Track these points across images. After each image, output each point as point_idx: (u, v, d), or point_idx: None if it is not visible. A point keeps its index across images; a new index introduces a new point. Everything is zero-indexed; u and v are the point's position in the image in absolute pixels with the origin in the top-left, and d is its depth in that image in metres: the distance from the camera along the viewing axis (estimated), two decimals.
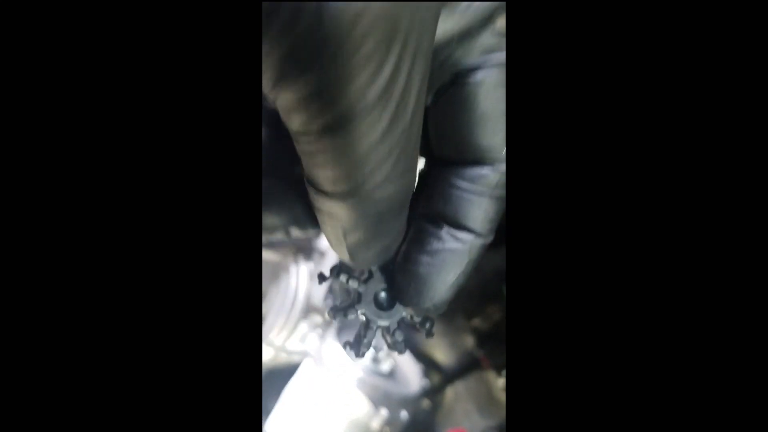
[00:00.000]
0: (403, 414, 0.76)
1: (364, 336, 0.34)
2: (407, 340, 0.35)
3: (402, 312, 0.34)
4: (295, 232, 0.33)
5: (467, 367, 0.84)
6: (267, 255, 0.95)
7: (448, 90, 0.29)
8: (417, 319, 0.34)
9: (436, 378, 0.90)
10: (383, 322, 0.34)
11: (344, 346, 0.36)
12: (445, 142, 0.30)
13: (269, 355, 0.96)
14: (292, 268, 0.95)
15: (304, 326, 0.88)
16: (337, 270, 0.34)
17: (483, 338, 0.85)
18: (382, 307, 0.34)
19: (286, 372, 0.90)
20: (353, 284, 0.34)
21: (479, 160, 0.29)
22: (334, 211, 0.26)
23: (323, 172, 0.24)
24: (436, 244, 0.30)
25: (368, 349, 0.34)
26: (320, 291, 0.85)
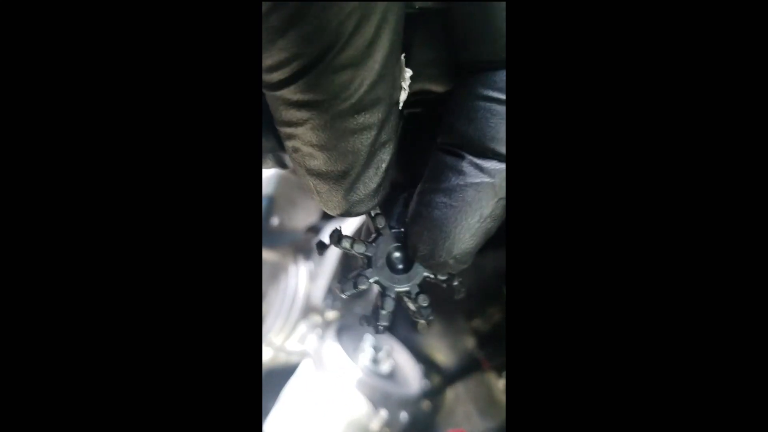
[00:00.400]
0: (403, 415, 0.75)
1: (382, 307, 0.29)
2: (408, 335, 0.31)
3: (423, 272, 0.29)
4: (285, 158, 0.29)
5: (467, 368, 0.84)
6: (266, 255, 0.95)
7: None
8: (441, 278, 0.29)
9: (437, 379, 0.90)
10: (402, 287, 0.29)
11: (360, 322, 0.31)
12: (472, 38, 0.25)
13: (268, 355, 0.96)
14: (292, 269, 0.95)
15: (303, 326, 0.88)
16: (338, 235, 0.29)
17: (483, 339, 0.85)
18: (398, 269, 0.29)
19: (285, 372, 0.90)
20: (359, 248, 0.29)
21: (500, 63, 0.24)
22: (309, 136, 0.23)
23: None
24: (455, 180, 0.25)
25: (388, 321, 0.29)
26: (320, 291, 0.84)
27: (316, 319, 0.85)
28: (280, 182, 0.90)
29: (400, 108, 0.26)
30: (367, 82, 0.21)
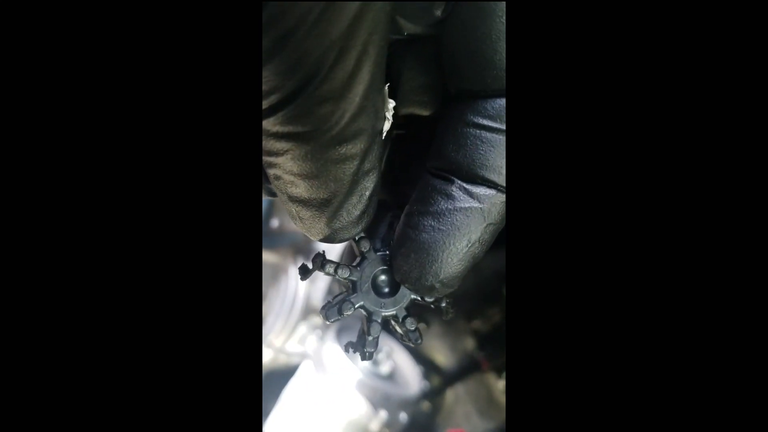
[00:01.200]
0: (403, 416, 0.76)
1: (368, 333, 0.28)
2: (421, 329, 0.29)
3: (410, 295, 0.28)
4: None
5: (467, 369, 0.84)
6: (267, 257, 0.95)
7: (460, 7, 0.24)
8: (429, 300, 0.29)
9: (436, 380, 0.90)
10: (388, 311, 0.28)
11: (346, 349, 0.30)
12: (461, 67, 0.24)
13: (269, 356, 0.96)
14: (292, 270, 0.95)
15: (303, 328, 0.88)
16: (321, 260, 0.28)
17: (483, 340, 0.85)
18: (384, 293, 0.28)
19: (286, 373, 0.90)
20: (343, 273, 0.28)
21: (502, 89, 0.24)
22: (294, 166, 0.23)
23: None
24: (444, 203, 0.25)
25: (375, 348, 0.29)
26: (320, 292, 0.85)
27: (316, 320, 0.85)
28: None
29: (384, 136, 0.26)
30: (348, 114, 0.21)
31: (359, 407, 0.74)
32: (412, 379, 0.83)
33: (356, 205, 0.25)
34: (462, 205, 0.24)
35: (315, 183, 0.23)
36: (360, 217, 0.25)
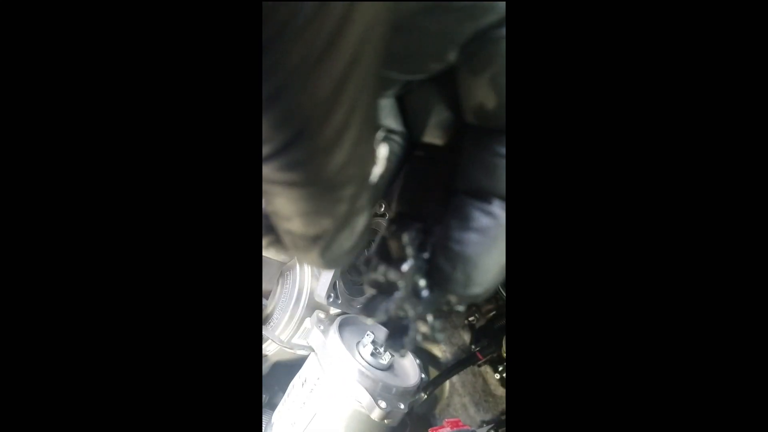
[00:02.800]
0: (402, 406, 0.78)
1: (406, 333, 0.29)
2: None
3: (440, 299, 0.29)
4: None
5: (464, 361, 0.86)
6: (273, 253, 0.98)
7: (478, 46, 0.25)
8: (460, 308, 0.29)
9: (434, 372, 0.92)
10: (421, 311, 0.29)
11: (378, 346, 0.30)
12: (480, 105, 0.26)
13: (275, 350, 0.98)
14: (298, 265, 0.97)
15: (308, 322, 0.90)
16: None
17: (479, 334, 0.87)
18: (421, 295, 0.29)
19: (291, 366, 0.92)
20: (390, 275, 0.28)
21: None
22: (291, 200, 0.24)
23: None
24: (485, 221, 0.26)
25: (413, 346, 0.29)
26: (324, 287, 0.87)
27: (320, 314, 0.88)
28: None
29: (376, 178, 0.27)
30: (337, 165, 0.22)
31: (360, 398, 0.76)
32: (411, 371, 0.85)
33: (347, 239, 0.26)
34: (502, 222, 0.26)
35: (305, 221, 0.25)
36: (351, 249, 0.27)
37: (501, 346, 0.82)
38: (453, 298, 0.29)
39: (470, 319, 0.89)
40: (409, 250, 0.28)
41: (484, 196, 0.26)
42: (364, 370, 0.78)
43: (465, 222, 0.27)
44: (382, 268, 0.29)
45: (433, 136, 0.31)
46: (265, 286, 0.99)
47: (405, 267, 0.28)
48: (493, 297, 0.84)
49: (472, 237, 0.26)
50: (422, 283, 0.29)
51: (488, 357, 0.83)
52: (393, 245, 0.30)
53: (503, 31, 0.24)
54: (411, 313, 0.29)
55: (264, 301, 0.99)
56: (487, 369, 0.87)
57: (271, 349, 0.99)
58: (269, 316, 0.97)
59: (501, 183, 0.26)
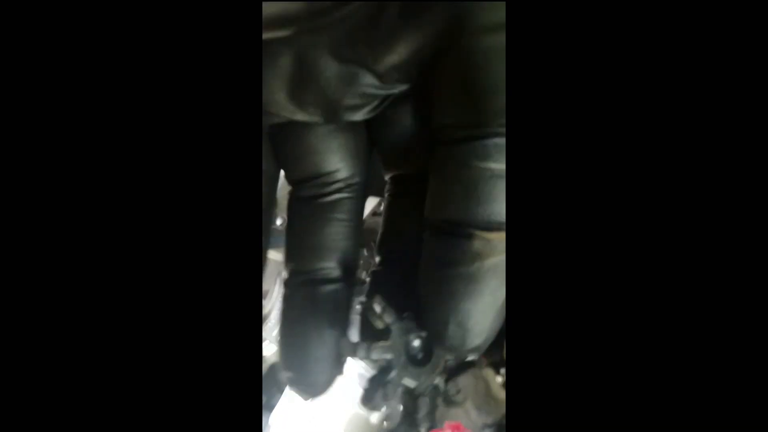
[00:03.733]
0: (401, 409, 0.77)
1: (416, 411, 0.26)
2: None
3: (445, 356, 0.26)
4: None
5: (465, 364, 0.85)
6: (273, 255, 0.97)
7: (446, 55, 0.24)
8: (472, 357, 0.26)
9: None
10: (428, 380, 0.25)
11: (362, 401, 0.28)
12: (450, 110, 0.24)
13: (274, 351, 0.97)
14: None
15: None
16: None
17: None
18: (419, 361, 0.26)
19: None
20: (377, 354, 0.25)
21: (496, 131, 0.23)
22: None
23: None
24: (473, 262, 0.23)
25: (432, 422, 0.26)
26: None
27: None
28: (284, 184, 0.91)
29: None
30: None
31: (359, 400, 0.75)
32: None
33: None
34: (491, 261, 0.23)
35: None
36: None
37: (503, 348, 0.81)
38: (451, 355, 0.26)
39: None
40: (387, 317, 0.25)
41: (464, 230, 0.23)
42: (363, 372, 0.77)
43: (450, 267, 0.24)
44: (371, 352, 0.26)
45: (403, 168, 0.29)
46: (263, 286, 0.98)
47: (389, 338, 0.25)
48: None
49: (461, 286, 0.23)
50: (415, 344, 0.25)
51: (490, 359, 0.82)
52: (372, 318, 0.28)
53: (478, 38, 0.22)
54: (412, 385, 0.26)
55: (263, 301, 0.98)
56: (488, 372, 0.86)
57: (269, 350, 0.97)
58: (267, 315, 0.96)
59: (482, 202, 0.23)
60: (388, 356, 0.25)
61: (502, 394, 0.85)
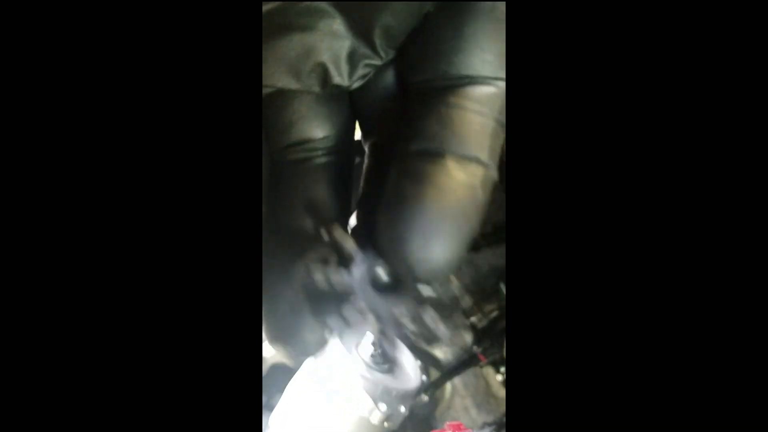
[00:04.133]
0: (402, 409, 0.77)
1: (385, 338, 0.25)
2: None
3: (418, 285, 0.25)
4: None
5: (465, 363, 0.85)
6: None
7: (435, 13, 0.24)
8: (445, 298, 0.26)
9: (435, 374, 0.91)
10: (397, 308, 0.25)
11: (369, 364, 0.27)
12: (434, 62, 0.24)
13: (273, 351, 0.97)
14: None
15: None
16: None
17: (481, 335, 0.86)
18: (386, 288, 0.26)
19: (289, 368, 0.91)
20: (334, 278, 0.25)
21: (477, 79, 0.24)
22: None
23: None
24: (443, 181, 0.23)
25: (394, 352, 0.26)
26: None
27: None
28: None
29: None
30: None
31: (360, 400, 0.75)
32: (411, 373, 0.84)
33: None
34: (460, 181, 0.23)
35: None
36: None
37: (503, 347, 0.81)
38: (421, 281, 0.25)
39: (472, 319, 0.88)
40: (352, 253, 0.26)
41: (438, 152, 0.23)
42: (363, 372, 0.77)
43: (416, 186, 0.23)
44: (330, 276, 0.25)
45: (383, 136, 0.29)
46: None
47: (356, 268, 0.25)
48: (495, 297, 0.83)
49: (429, 205, 0.23)
50: (380, 271, 0.25)
51: (490, 358, 0.82)
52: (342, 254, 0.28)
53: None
54: (381, 310, 0.25)
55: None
56: (489, 370, 0.86)
57: (268, 350, 0.97)
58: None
59: (456, 135, 0.23)
60: (348, 279, 0.25)
61: (502, 393, 0.85)
